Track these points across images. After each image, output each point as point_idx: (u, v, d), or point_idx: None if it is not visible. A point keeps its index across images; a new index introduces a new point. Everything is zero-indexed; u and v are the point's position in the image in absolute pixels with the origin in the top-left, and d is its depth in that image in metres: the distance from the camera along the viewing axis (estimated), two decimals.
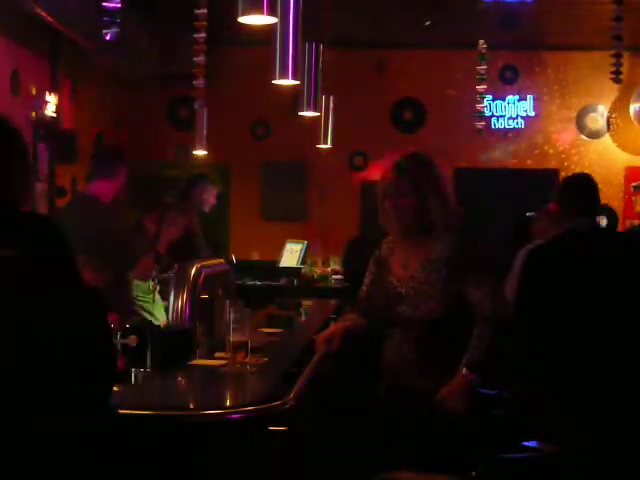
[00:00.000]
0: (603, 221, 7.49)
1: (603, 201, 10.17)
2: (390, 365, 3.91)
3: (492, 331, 3.71)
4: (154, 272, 5.92)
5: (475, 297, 3.78)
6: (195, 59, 7.05)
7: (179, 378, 3.63)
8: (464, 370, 3.66)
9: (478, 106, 9.74)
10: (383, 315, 3.98)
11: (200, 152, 7.64)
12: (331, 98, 7.63)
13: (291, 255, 8.53)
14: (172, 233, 6.54)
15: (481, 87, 9.49)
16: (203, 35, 6.86)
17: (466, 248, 3.91)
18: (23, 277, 2.15)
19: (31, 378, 2.12)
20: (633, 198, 10.63)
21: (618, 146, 11.15)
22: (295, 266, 8.38)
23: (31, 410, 2.11)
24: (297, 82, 4.98)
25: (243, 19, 4.00)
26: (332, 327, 4.49)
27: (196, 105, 7.40)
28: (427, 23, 9.08)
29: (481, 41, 9.04)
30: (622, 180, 11.11)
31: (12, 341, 2.10)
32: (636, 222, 8.40)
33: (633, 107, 10.81)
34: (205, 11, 6.70)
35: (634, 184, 11.04)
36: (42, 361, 2.13)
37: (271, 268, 8.47)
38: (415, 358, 3.82)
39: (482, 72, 9.29)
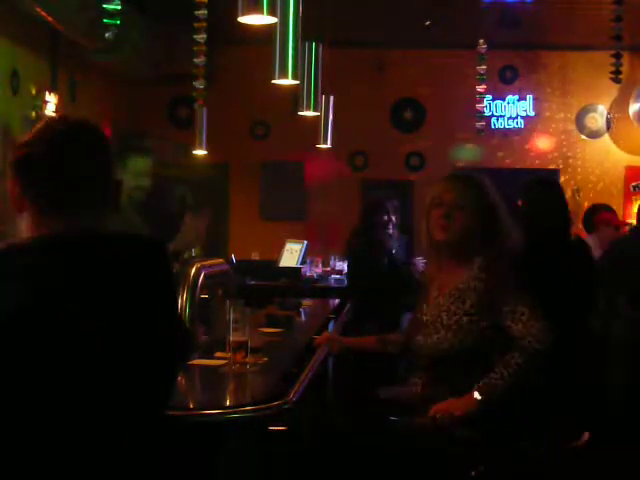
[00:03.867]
0: None
1: (603, 201, 10.23)
2: (404, 395, 3.76)
3: (522, 361, 3.48)
4: None
5: (517, 330, 3.51)
6: (195, 59, 7.06)
7: (179, 378, 3.63)
8: (475, 393, 3.48)
9: (478, 106, 9.75)
10: (405, 342, 3.90)
11: (200, 152, 7.65)
12: (331, 98, 7.63)
13: (291, 255, 8.53)
14: (187, 234, 6.53)
15: (481, 87, 9.50)
16: (203, 36, 6.87)
17: (499, 280, 3.61)
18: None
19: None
20: (633, 198, 10.64)
21: (618, 146, 11.16)
22: (295, 266, 8.37)
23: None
24: (297, 82, 4.99)
25: (243, 19, 4.00)
26: (326, 334, 4.50)
27: (195, 105, 7.41)
28: (427, 23, 9.09)
29: (481, 41, 9.05)
30: (622, 180, 11.12)
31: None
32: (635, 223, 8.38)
33: (633, 107, 10.82)
34: (205, 11, 6.71)
35: (634, 184, 11.05)
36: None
37: (271, 268, 8.46)
38: (420, 391, 3.68)
39: (482, 72, 9.30)
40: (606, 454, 5.15)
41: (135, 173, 5.39)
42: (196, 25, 6.81)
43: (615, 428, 6.46)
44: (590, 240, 8.50)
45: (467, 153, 11.17)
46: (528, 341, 3.49)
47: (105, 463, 2.09)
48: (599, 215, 9.59)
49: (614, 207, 10.05)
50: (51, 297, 1.98)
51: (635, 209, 8.41)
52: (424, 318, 3.74)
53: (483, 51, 9.10)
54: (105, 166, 2.26)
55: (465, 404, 3.47)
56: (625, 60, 8.72)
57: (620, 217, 9.68)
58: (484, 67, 9.24)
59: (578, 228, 10.09)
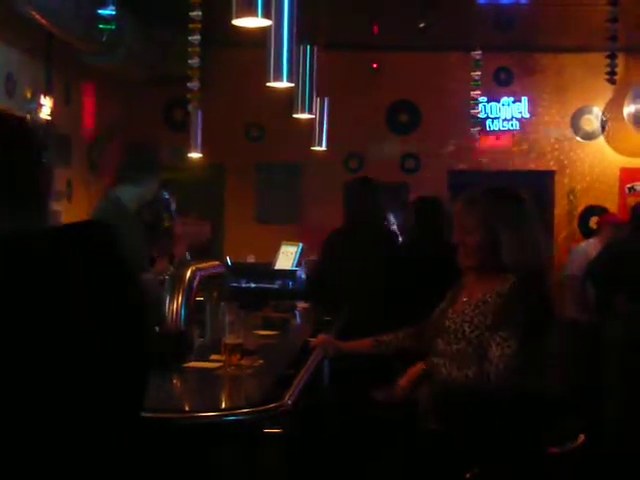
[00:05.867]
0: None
1: (598, 202, 10.25)
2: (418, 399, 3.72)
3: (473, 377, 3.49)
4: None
5: (492, 354, 3.45)
6: (190, 61, 7.06)
7: (174, 380, 3.63)
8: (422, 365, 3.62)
9: (473, 111, 9.78)
10: (425, 344, 3.83)
11: (195, 154, 7.65)
12: (326, 100, 7.64)
13: (286, 257, 8.52)
14: (191, 235, 6.53)
15: (476, 93, 9.53)
16: (197, 37, 6.87)
17: (516, 299, 3.52)
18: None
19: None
20: (628, 200, 10.64)
21: (613, 148, 11.17)
22: (290, 268, 8.37)
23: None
24: (292, 84, 5.00)
25: (237, 21, 4.00)
26: (321, 337, 4.50)
27: (190, 107, 7.41)
28: (422, 25, 9.09)
29: (476, 48, 9.07)
30: (617, 182, 11.13)
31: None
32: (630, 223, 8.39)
33: (628, 109, 10.83)
34: (199, 13, 6.71)
35: (629, 185, 11.06)
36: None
37: (266, 270, 8.46)
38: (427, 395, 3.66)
39: (477, 78, 9.32)
40: (602, 457, 5.16)
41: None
42: (191, 26, 6.81)
43: (612, 430, 6.47)
44: (591, 243, 8.54)
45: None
46: (489, 371, 3.44)
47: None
48: (600, 217, 9.62)
49: (610, 209, 10.09)
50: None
51: (630, 211, 8.41)
52: (447, 323, 3.68)
53: (477, 57, 9.12)
54: (26, 160, 2.20)
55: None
56: (620, 61, 8.74)
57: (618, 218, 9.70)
58: (478, 73, 9.26)
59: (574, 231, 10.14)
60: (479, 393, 3.45)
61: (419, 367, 3.68)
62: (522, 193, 3.78)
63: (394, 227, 7.43)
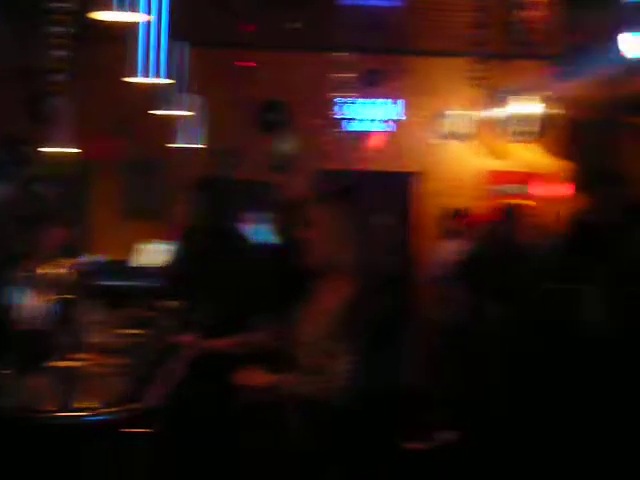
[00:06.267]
0: None
1: (463, 204, 10.44)
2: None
3: None
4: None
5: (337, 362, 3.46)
6: (54, 53, 6.89)
7: (37, 379, 3.56)
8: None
9: (339, 111, 9.86)
10: (283, 348, 3.75)
11: (59, 149, 7.50)
12: (195, 97, 7.59)
13: (152, 255, 8.44)
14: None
15: (343, 93, 9.61)
16: (62, 30, 6.72)
17: (361, 302, 3.52)
18: None
19: None
20: (493, 202, 10.86)
21: (477, 150, 11.41)
22: (156, 266, 8.28)
23: None
24: (161, 81, 4.95)
25: (102, 15, 3.93)
26: (185, 337, 4.47)
27: (54, 101, 7.25)
28: (293, 25, 9.11)
29: (346, 49, 9.15)
30: (480, 184, 11.37)
31: None
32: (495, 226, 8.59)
33: (493, 112, 11.09)
34: (65, 5, 6.56)
35: (494, 187, 11.32)
36: None
37: (132, 268, 8.36)
38: None
39: (344, 79, 9.40)
40: (467, 451, 5.26)
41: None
42: (55, 18, 6.66)
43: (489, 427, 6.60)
44: (455, 244, 8.71)
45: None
46: (338, 380, 3.44)
47: None
48: (462, 219, 9.81)
49: (475, 211, 10.30)
50: None
51: (496, 213, 8.62)
52: (298, 332, 3.62)
53: (348, 58, 9.20)
54: None
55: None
56: (487, 66, 8.92)
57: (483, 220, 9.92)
58: (346, 75, 9.33)
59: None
60: (329, 402, 3.42)
61: (268, 378, 3.63)
62: (367, 195, 3.80)
63: (250, 227, 7.33)
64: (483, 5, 8.06)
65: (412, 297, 10.77)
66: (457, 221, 9.76)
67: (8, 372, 3.43)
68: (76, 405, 3.16)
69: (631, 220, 5.53)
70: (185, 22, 6.47)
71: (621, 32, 7.56)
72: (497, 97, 11.01)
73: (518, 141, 11.26)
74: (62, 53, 6.89)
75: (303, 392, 3.46)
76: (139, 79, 4.73)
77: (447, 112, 11.38)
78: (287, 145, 11.31)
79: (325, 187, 3.77)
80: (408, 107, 11.40)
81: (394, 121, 11.41)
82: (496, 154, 11.43)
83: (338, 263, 3.55)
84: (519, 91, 10.97)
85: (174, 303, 6.44)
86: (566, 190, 11.03)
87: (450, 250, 8.52)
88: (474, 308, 7.27)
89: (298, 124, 11.21)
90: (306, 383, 3.46)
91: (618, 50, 7.74)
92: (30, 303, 4.05)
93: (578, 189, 10.36)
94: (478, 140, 11.42)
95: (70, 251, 7.06)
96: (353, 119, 11.25)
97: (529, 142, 11.28)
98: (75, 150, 8.00)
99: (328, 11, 9.07)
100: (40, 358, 3.68)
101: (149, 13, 4.51)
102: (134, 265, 8.35)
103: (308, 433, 3.41)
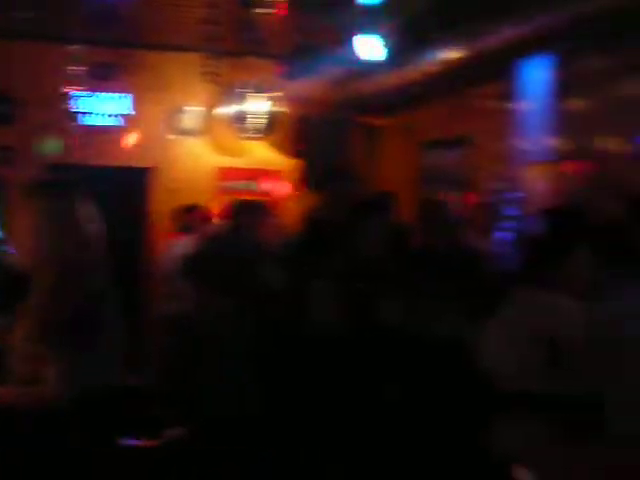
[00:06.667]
0: None
1: (194, 200, 10.47)
2: None
3: None
4: None
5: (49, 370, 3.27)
6: None
7: None
8: None
9: (70, 104, 9.64)
10: None
11: None
12: None
13: None
14: None
15: (76, 87, 9.40)
16: None
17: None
18: None
19: None
20: (223, 198, 10.95)
21: (210, 147, 11.49)
22: None
23: None
24: None
25: None
26: None
27: None
28: (24, 13, 8.82)
29: (76, 41, 8.96)
30: (213, 180, 11.46)
31: None
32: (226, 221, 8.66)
33: (227, 109, 11.21)
34: None
35: (224, 184, 11.44)
36: None
37: None
38: None
39: (76, 72, 9.20)
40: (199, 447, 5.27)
41: None
42: None
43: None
44: (187, 239, 8.70)
45: (53, 149, 10.89)
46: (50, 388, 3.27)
47: None
48: (195, 214, 9.84)
49: (206, 207, 10.35)
50: None
51: (225, 208, 8.69)
52: (9, 339, 3.36)
53: (77, 51, 9.00)
54: None
55: None
56: (220, 63, 8.99)
57: (214, 216, 10.01)
58: (77, 67, 9.13)
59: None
60: (38, 412, 3.26)
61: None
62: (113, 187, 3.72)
63: None
64: (215, 1, 8.11)
65: (144, 293, 10.71)
66: (190, 217, 9.78)
67: None
68: None
69: (358, 217, 5.70)
70: None
71: (355, 34, 7.84)
72: (230, 94, 11.13)
73: (249, 138, 11.43)
74: None
75: (20, 404, 3.27)
76: None
77: (183, 108, 11.38)
78: (11, 138, 10.90)
79: (37, 180, 3.60)
80: (143, 102, 11.30)
81: (128, 116, 11.27)
82: (228, 151, 11.54)
83: (37, 258, 3.38)
84: (250, 88, 11.13)
85: None
86: (296, 187, 11.33)
87: (183, 246, 8.53)
88: (200, 305, 7.30)
89: (28, 118, 10.81)
90: (22, 395, 3.29)
91: (352, 51, 8.02)
92: None
93: (309, 186, 10.68)
94: (211, 136, 11.50)
95: None
96: (87, 113, 11.01)
97: (259, 139, 11.48)
98: None
99: (60, 1, 8.85)
100: None
101: None
102: None
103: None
